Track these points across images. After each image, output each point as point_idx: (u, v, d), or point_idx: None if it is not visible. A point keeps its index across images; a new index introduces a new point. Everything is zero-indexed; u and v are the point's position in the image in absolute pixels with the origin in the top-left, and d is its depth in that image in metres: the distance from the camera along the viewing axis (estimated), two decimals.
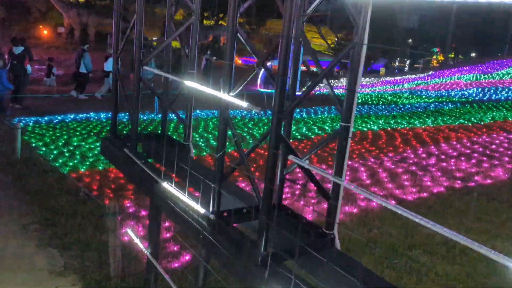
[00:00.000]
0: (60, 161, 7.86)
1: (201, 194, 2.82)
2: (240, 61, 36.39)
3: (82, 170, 7.48)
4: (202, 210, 2.69)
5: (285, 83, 2.25)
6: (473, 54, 53.13)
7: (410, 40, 54.68)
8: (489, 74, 29.26)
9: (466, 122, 13.97)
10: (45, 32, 31.13)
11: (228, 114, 2.54)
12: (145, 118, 12.67)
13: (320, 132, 11.77)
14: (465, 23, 48.65)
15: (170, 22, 3.76)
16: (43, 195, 6.21)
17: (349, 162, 8.24)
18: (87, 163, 7.88)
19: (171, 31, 3.76)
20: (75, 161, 7.91)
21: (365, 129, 12.05)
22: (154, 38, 40.15)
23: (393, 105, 18.75)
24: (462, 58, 58.91)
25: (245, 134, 10.91)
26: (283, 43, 2.18)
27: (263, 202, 2.30)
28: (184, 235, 4.56)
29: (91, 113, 12.34)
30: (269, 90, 21.52)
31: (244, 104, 2.36)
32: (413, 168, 8.20)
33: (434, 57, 67.53)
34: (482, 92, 22.13)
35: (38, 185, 6.58)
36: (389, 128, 12.23)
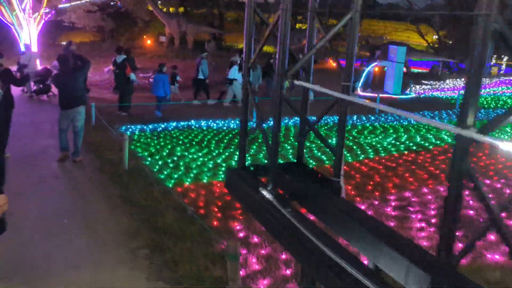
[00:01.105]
0: (166, 173, 7.56)
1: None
2: (334, 64, 35.13)
3: (187, 183, 7.07)
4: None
5: None
6: None
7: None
8: None
9: None
10: (148, 41, 32.63)
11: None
12: None
13: (438, 142, 10.38)
14: None
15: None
16: (150, 211, 5.84)
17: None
18: (192, 175, 7.49)
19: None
20: (180, 173, 7.56)
21: None
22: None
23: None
24: None
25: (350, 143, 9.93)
26: None
27: None
28: None
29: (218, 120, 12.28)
30: (369, 94, 20.16)
31: None
32: None
33: None
34: None
35: (145, 200, 6.24)
36: None
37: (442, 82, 28.24)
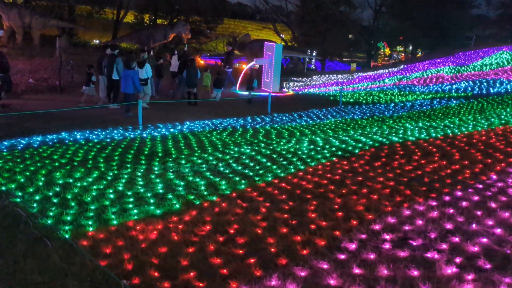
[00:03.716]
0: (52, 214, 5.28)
1: None
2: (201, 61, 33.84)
3: (91, 230, 4.95)
4: None
5: None
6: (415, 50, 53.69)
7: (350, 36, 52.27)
8: (465, 66, 28.61)
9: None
10: None
11: None
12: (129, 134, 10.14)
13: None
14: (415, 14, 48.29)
15: None
16: None
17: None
18: (91, 214, 5.35)
19: None
20: (73, 212, 5.36)
21: (397, 139, 10.08)
22: (102, 41, 36.70)
23: (393, 104, 17.13)
24: (414, 51, 59.62)
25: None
26: None
27: None
28: None
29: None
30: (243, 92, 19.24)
31: None
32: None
33: (382, 51, 68.47)
34: (477, 85, 21.09)
35: (37, 271, 4.02)
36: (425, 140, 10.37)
37: (310, 79, 28.98)
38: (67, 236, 4.72)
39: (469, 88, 20.45)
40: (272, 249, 4.41)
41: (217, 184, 6.63)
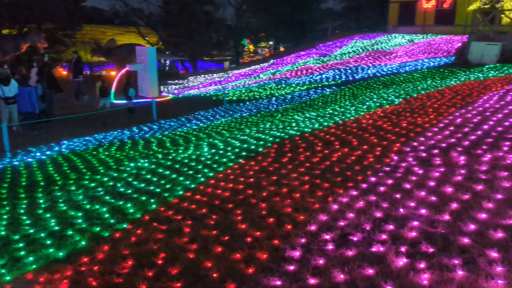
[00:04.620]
0: None
1: None
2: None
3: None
4: None
5: None
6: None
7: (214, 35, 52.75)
8: (328, 56, 30.67)
9: (383, 102, 13.36)
10: None
11: None
12: None
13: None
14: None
15: None
16: None
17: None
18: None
19: None
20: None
21: (293, 132, 10.21)
22: None
23: (275, 98, 17.54)
24: (280, 45, 62.66)
25: None
26: None
27: None
28: None
29: None
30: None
31: None
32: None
33: (246, 47, 70.86)
34: (343, 73, 22.66)
35: None
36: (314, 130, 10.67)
37: (187, 80, 28.39)
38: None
39: (337, 76, 21.88)
40: (214, 275, 3.92)
41: (122, 208, 5.86)
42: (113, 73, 23.62)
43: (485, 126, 8.19)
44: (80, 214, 5.77)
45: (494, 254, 3.66)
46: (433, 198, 5.06)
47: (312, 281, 3.65)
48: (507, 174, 5.49)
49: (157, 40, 49.63)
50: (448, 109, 10.21)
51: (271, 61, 34.32)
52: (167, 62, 36.03)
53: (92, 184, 7.14)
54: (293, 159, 7.48)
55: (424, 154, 6.87)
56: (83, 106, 17.39)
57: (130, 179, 7.22)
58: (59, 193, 6.80)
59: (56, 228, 5.36)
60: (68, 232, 5.19)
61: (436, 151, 6.95)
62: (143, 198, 6.18)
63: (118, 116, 15.36)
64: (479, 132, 7.80)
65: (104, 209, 5.86)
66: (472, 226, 4.21)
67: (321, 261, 3.94)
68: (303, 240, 4.41)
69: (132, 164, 8.20)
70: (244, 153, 8.18)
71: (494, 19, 22.90)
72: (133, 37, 54.65)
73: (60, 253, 4.64)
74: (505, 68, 18.25)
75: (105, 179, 7.37)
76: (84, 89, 19.03)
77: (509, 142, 6.97)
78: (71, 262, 4.42)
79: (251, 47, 69.92)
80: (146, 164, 8.10)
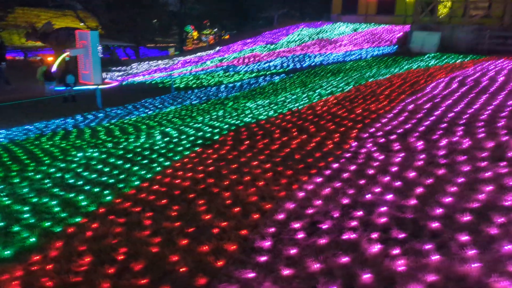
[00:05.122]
0: None
1: None
2: None
3: None
4: None
5: None
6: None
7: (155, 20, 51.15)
8: (274, 44, 30.70)
9: (343, 87, 13.47)
10: None
11: None
12: None
13: None
14: None
15: None
16: None
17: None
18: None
19: None
20: None
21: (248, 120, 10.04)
22: None
23: (224, 85, 17.28)
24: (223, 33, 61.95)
25: None
26: None
27: None
28: None
29: None
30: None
31: None
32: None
33: (190, 34, 69.64)
34: (290, 61, 22.74)
35: None
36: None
37: (130, 67, 27.33)
38: None
39: (285, 64, 21.95)
40: (182, 269, 3.70)
41: (74, 201, 5.44)
42: (50, 58, 22.17)
43: (437, 112, 8.45)
44: (26, 208, 5.30)
45: (465, 237, 3.71)
46: (398, 183, 5.10)
47: (287, 271, 3.53)
48: (465, 158, 5.66)
49: (96, 24, 47.38)
50: (398, 96, 10.46)
51: (217, 48, 33.86)
52: (111, 48, 34.54)
53: (38, 176, 6.61)
54: (252, 147, 7.33)
55: (382, 140, 6.95)
56: (19, 92, 16.23)
57: (79, 170, 6.76)
58: (0, 186, 6.23)
59: (0, 224, 4.88)
60: (14, 228, 4.73)
61: (393, 136, 7.06)
62: (96, 189, 5.79)
63: (60, 104, 14.46)
64: (432, 118, 8.03)
65: (54, 202, 5.42)
66: (440, 210, 4.27)
67: (293, 251, 3.83)
68: (272, 230, 4.28)
69: (80, 154, 7.70)
70: (200, 141, 7.92)
71: (434, 9, 23.88)
72: (69, 21, 51.80)
73: (7, 252, 4.21)
74: (445, 56, 19.10)
75: (52, 170, 6.85)
76: (6, 77, 17.57)
77: (462, 127, 7.22)
78: (20, 261, 4.02)
79: (195, 34, 68.69)
80: (95, 154, 7.63)
